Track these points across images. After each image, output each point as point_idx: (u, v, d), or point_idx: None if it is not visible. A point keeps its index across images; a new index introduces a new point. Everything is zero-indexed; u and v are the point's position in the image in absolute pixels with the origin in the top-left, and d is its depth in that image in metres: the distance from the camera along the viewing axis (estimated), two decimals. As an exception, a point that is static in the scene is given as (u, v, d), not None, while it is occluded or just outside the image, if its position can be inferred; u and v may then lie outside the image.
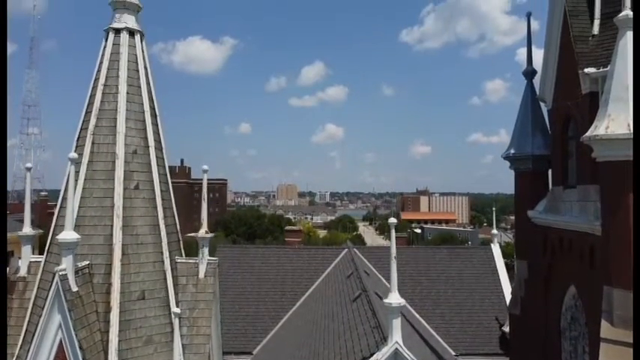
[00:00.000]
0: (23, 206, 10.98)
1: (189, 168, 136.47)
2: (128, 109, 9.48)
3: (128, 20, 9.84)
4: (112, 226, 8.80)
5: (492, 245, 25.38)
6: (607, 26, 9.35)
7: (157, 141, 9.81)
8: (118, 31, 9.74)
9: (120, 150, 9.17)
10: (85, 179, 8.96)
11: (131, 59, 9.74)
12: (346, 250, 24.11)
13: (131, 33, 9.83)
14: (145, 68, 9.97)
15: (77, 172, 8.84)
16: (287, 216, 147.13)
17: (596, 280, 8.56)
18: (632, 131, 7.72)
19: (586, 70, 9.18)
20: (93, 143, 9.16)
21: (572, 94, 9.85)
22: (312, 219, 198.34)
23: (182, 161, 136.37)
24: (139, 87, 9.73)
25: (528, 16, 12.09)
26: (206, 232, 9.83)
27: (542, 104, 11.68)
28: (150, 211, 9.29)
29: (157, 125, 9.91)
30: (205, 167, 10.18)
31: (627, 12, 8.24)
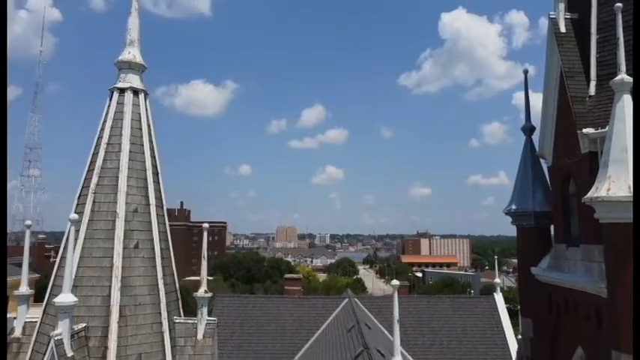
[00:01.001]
0: (21, 249, 10.90)
1: (189, 211, 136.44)
2: (130, 167, 9.54)
3: (133, 80, 10.05)
4: (110, 287, 8.68)
5: (495, 295, 25.03)
6: (603, 87, 9.50)
7: (158, 199, 9.82)
8: (122, 90, 9.93)
9: (121, 209, 9.16)
10: (84, 239, 8.91)
11: (135, 118, 9.89)
12: (347, 299, 23.73)
13: (135, 92, 10.02)
14: (148, 126, 10.10)
15: (77, 231, 8.79)
16: (286, 259, 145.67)
17: (604, 342, 8.35)
18: (631, 193, 7.72)
19: (584, 130, 9.27)
20: (94, 202, 9.17)
21: (572, 153, 9.91)
22: (312, 262, 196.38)
23: (182, 204, 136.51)
24: (142, 145, 9.83)
25: (525, 73, 12.33)
26: (205, 292, 9.69)
27: (542, 160, 11.74)
28: (149, 270, 9.19)
29: (159, 183, 9.95)
30: (206, 225, 10.15)
31: (622, 75, 8.40)
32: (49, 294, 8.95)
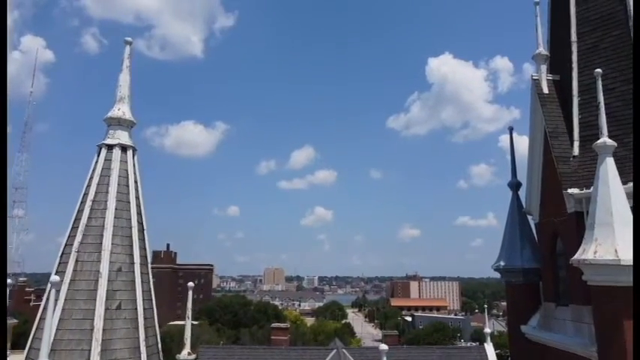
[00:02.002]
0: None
1: (175, 253, 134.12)
2: (115, 225, 9.39)
3: (121, 136, 10.03)
4: (89, 350, 8.37)
5: (486, 345, 24.58)
6: (586, 148, 9.70)
7: (143, 256, 9.64)
8: (110, 147, 9.88)
9: (104, 268, 8.95)
10: (65, 300, 8.65)
11: (122, 174, 9.80)
12: (335, 350, 23.14)
13: (124, 149, 9.97)
14: (136, 182, 10.01)
15: (58, 292, 8.55)
16: (274, 302, 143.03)
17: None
18: (619, 257, 7.75)
19: (570, 190, 9.39)
20: (77, 261, 8.95)
21: (558, 211, 10.00)
22: (299, 305, 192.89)
23: (168, 246, 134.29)
24: (128, 202, 9.72)
25: (510, 130, 12.58)
26: (189, 354, 9.39)
27: (529, 216, 11.82)
28: (131, 332, 8.90)
29: (144, 240, 9.78)
30: (190, 284, 9.94)
31: (605, 139, 8.58)
32: (26, 357, 8.62)
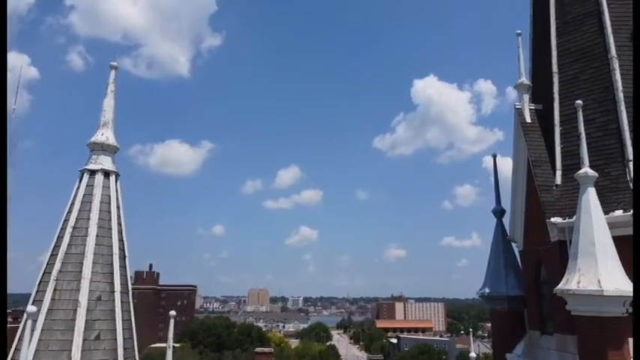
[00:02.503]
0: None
1: (158, 274, 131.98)
2: (96, 252, 9.22)
3: (104, 161, 9.92)
4: (66, 383, 8.11)
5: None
6: (569, 177, 9.81)
7: (124, 284, 9.45)
8: (93, 172, 9.76)
9: (83, 297, 8.75)
10: (42, 330, 8.41)
11: (104, 200, 9.67)
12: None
13: (106, 174, 9.85)
14: (118, 208, 9.88)
15: (34, 322, 8.31)
16: (258, 324, 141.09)
17: None
18: (602, 288, 7.79)
19: (553, 219, 9.47)
20: (55, 290, 8.74)
21: (542, 240, 10.05)
22: (284, 327, 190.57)
23: (150, 266, 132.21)
24: (110, 229, 9.56)
25: (494, 157, 12.71)
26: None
27: (513, 243, 11.87)
28: (110, 364, 8.66)
29: (125, 268, 9.61)
30: (172, 312, 9.73)
31: (586, 169, 8.70)
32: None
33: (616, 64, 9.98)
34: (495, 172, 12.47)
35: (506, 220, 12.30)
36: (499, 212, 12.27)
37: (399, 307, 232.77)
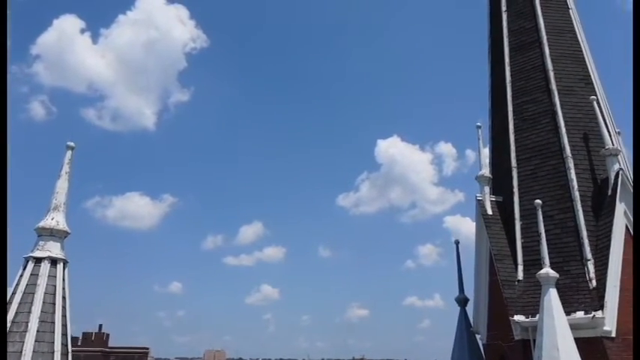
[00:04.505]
0: None
1: (108, 335, 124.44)
2: (36, 350, 8.46)
3: (52, 248, 9.33)
4: None
5: None
6: (530, 272, 9.86)
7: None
8: (39, 260, 9.15)
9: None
10: None
11: (49, 291, 9.01)
12: None
13: (53, 262, 9.25)
14: (63, 299, 9.22)
15: None
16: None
17: None
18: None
19: (516, 317, 9.39)
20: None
21: (505, 336, 9.93)
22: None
23: (100, 327, 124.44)
24: (53, 322, 8.86)
25: (457, 243, 12.74)
26: None
27: (477, 335, 11.70)
28: None
29: (69, 366, 8.85)
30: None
31: (547, 269, 8.75)
32: None
33: (571, 164, 10.34)
34: (458, 259, 12.47)
35: (470, 306, 12.18)
36: (462, 301, 12.15)
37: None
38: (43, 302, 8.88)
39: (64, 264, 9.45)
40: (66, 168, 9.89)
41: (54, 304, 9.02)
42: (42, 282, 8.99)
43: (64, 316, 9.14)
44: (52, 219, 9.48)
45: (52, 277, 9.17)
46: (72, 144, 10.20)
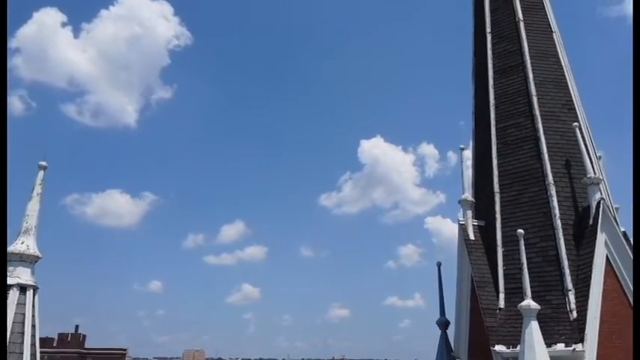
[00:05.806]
0: None
1: (84, 336, 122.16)
2: (1, 386, 8.11)
3: (22, 274, 8.97)
4: None
5: None
6: (512, 301, 9.81)
7: None
8: (7, 287, 8.78)
9: None
10: None
11: (17, 320, 8.65)
12: None
13: (22, 289, 8.89)
14: (33, 327, 8.87)
15: None
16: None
17: None
18: None
19: (497, 347, 9.33)
20: None
21: (486, 364, 9.85)
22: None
23: (77, 328, 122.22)
24: (21, 353, 8.51)
25: (439, 265, 12.66)
26: None
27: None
28: None
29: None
30: None
31: (529, 301, 8.70)
32: None
33: (553, 191, 10.33)
34: (440, 281, 12.39)
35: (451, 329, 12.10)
36: (444, 324, 12.07)
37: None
38: (12, 332, 8.53)
39: (34, 290, 9.09)
40: (38, 189, 9.51)
41: (22, 333, 8.66)
42: (10, 310, 8.64)
43: (33, 344, 8.79)
44: (22, 243, 9.12)
45: (20, 305, 8.81)
46: (44, 163, 9.81)
